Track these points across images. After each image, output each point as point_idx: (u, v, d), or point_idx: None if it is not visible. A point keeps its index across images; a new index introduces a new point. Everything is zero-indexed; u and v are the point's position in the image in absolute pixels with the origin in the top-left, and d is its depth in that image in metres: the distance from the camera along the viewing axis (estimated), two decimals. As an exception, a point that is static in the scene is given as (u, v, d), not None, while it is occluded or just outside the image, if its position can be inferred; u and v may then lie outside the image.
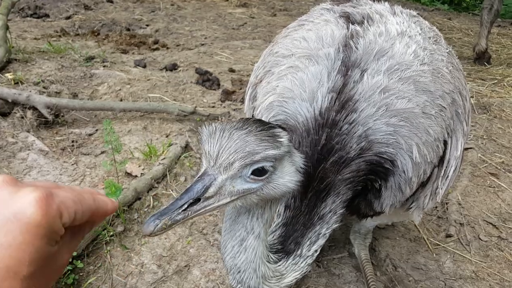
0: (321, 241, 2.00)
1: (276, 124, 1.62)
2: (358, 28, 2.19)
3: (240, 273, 1.75)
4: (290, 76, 2.13)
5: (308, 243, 1.96)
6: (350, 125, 1.91)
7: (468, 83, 6.68)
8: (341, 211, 2.01)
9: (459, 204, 3.91)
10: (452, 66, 2.29)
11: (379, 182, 2.04)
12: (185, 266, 3.11)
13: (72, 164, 4.13)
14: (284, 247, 1.95)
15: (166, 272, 3.06)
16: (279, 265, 1.89)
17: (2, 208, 0.81)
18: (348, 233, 3.32)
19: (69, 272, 2.86)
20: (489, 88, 6.59)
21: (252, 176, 1.49)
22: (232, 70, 6.87)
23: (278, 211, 2.03)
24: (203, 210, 1.47)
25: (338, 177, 1.93)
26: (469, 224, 3.70)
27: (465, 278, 3.18)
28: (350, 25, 2.22)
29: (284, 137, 1.54)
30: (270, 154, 1.46)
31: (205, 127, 1.52)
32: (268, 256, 1.84)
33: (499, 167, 4.55)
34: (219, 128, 1.49)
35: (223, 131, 1.47)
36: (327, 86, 1.97)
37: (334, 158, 1.91)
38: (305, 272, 1.98)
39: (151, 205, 3.63)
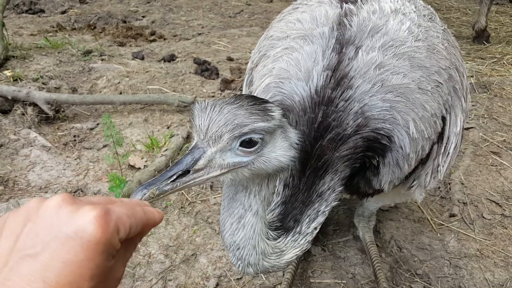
0: (320, 219, 2.00)
1: (269, 101, 1.63)
2: (351, 6, 2.19)
3: (240, 249, 1.77)
4: (286, 57, 2.13)
5: (307, 220, 1.97)
6: (346, 102, 1.91)
7: (467, 63, 6.69)
8: (340, 188, 2.02)
9: (462, 183, 3.92)
10: (448, 43, 2.29)
11: (377, 159, 2.05)
12: (192, 254, 3.14)
13: (75, 159, 4.15)
14: (283, 224, 1.96)
15: (174, 261, 3.09)
16: (278, 242, 1.90)
17: (63, 226, 0.85)
18: (352, 216, 3.34)
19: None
20: (488, 67, 6.57)
21: (241, 148, 1.50)
22: (230, 59, 6.85)
23: (277, 190, 2.04)
24: (192, 181, 1.48)
25: (335, 154, 1.93)
26: (472, 203, 3.72)
27: (469, 256, 3.20)
28: (344, 4, 2.23)
29: (276, 112, 1.54)
30: (259, 127, 1.47)
31: (198, 103, 1.53)
32: (267, 233, 1.85)
33: (500, 146, 4.56)
34: (210, 103, 1.50)
35: (215, 106, 1.48)
36: (322, 64, 1.98)
37: (331, 135, 1.92)
38: (304, 249, 1.99)
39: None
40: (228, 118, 1.45)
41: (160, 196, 1.41)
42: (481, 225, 3.51)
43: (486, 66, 6.60)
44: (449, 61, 2.17)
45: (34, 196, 3.61)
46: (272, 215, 1.98)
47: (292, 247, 1.93)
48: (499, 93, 5.75)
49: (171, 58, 6.75)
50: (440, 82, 2.07)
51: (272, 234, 1.89)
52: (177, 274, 3.00)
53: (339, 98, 1.92)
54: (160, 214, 1.13)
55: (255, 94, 2.30)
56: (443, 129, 2.18)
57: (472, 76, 6.15)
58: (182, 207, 3.58)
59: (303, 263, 3.10)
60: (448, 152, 2.27)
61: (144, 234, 1.12)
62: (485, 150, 4.47)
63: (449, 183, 3.92)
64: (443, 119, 2.16)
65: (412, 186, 2.32)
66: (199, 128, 1.48)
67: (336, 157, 1.93)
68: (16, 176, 3.87)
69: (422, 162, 2.20)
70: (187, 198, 3.67)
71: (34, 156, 4.15)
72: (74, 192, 3.65)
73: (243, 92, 2.73)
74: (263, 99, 1.61)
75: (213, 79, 6.12)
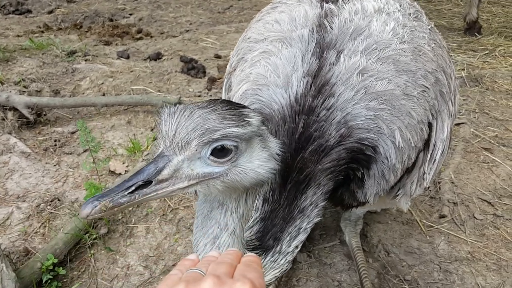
0: (302, 236, 1.88)
1: (247, 107, 1.49)
2: (332, 6, 2.06)
3: None
4: (263, 61, 2.01)
5: (288, 238, 1.85)
6: (328, 111, 1.79)
7: (458, 55, 6.56)
8: (323, 203, 1.91)
9: (452, 182, 3.81)
10: (435, 43, 2.17)
11: (362, 171, 1.94)
12: (173, 265, 3.03)
13: (55, 165, 4.02)
14: (262, 243, 1.83)
15: (153, 273, 2.98)
16: None
17: None
18: (339, 220, 3.23)
19: (50, 280, 2.78)
20: (480, 59, 6.45)
21: (212, 157, 1.35)
22: (218, 56, 6.71)
23: (256, 205, 1.90)
24: (154, 194, 1.33)
25: (318, 167, 1.82)
26: (463, 203, 3.61)
27: (460, 260, 3.10)
28: (324, 3, 2.09)
29: (253, 118, 1.40)
30: (232, 132, 1.32)
31: (167, 107, 1.38)
32: (244, 254, 1.74)
33: (492, 141, 4.45)
34: (180, 107, 1.36)
35: (184, 110, 1.34)
36: (302, 70, 1.85)
37: (313, 147, 1.80)
38: (285, 270, 1.87)
39: (136, 203, 3.53)
40: (198, 122, 1.31)
41: (114, 209, 1.25)
42: (472, 226, 3.40)
43: (478, 58, 6.48)
44: (436, 63, 2.05)
45: (11, 206, 3.49)
46: (250, 232, 1.84)
47: (271, 268, 1.81)
48: (491, 86, 5.63)
49: (157, 57, 6.61)
50: (427, 87, 1.95)
51: None
52: (157, 287, 2.89)
53: (320, 107, 1.79)
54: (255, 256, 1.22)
55: (233, 100, 2.18)
56: (429, 135, 2.06)
57: (463, 69, 6.04)
58: (163, 214, 3.47)
59: (288, 270, 2.98)
60: (435, 159, 2.15)
61: None
62: (477, 147, 4.35)
63: (439, 182, 3.80)
64: (430, 125, 2.04)
65: (398, 195, 2.21)
66: (166, 134, 1.33)
67: (319, 170, 1.81)
68: (-7, 185, 3.75)
69: (408, 170, 2.08)
70: (169, 205, 3.55)
71: (13, 163, 4.02)
72: (51, 201, 3.53)
73: (222, 97, 2.61)
74: (240, 104, 1.47)
75: (200, 77, 5.99)
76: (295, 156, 1.81)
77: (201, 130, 1.30)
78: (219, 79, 5.75)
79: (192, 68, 6.12)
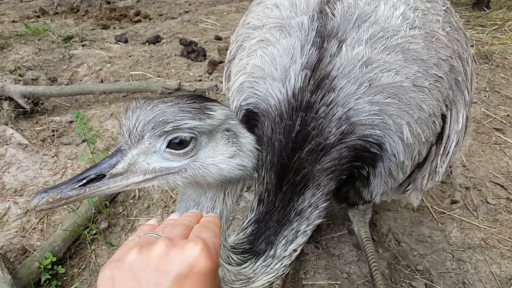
0: (300, 239, 1.77)
1: (216, 101, 1.40)
2: None
3: None
4: (260, 51, 1.87)
5: (283, 242, 1.74)
6: (328, 107, 1.66)
7: (467, 31, 6.34)
8: (324, 204, 1.79)
9: (464, 166, 3.68)
10: (450, 27, 2.00)
11: (367, 169, 1.81)
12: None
13: (53, 157, 3.91)
14: (253, 247, 1.73)
15: (156, 267, 2.88)
16: (244, 268, 1.67)
17: (178, 268, 0.93)
18: (346, 209, 3.12)
19: (49, 280, 2.68)
20: (489, 35, 6.23)
21: (168, 150, 1.29)
22: (218, 38, 6.54)
23: (252, 205, 1.82)
24: (106, 187, 1.28)
25: (317, 167, 1.70)
26: (475, 188, 3.48)
27: (474, 247, 2.99)
28: None
29: (218, 111, 1.33)
30: (185, 124, 1.26)
31: (135, 102, 1.33)
32: (228, 257, 1.62)
33: (504, 121, 4.29)
34: (146, 102, 1.31)
35: (148, 105, 1.29)
36: (300, 62, 1.72)
37: (310, 146, 1.68)
38: (281, 275, 1.76)
39: (137, 195, 3.43)
40: (154, 116, 1.26)
41: (62, 201, 1.22)
42: (485, 212, 3.28)
43: (487, 34, 6.26)
44: (451, 49, 1.88)
45: (8, 201, 3.39)
46: (244, 234, 1.74)
47: (264, 273, 1.70)
48: (501, 63, 5.43)
49: (156, 40, 6.44)
50: (440, 76, 1.79)
51: (234, 258, 1.64)
52: (160, 282, 2.79)
53: (319, 103, 1.66)
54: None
55: (231, 92, 2.04)
56: (442, 128, 1.92)
57: (472, 46, 5.83)
58: (165, 206, 3.36)
59: (295, 263, 2.89)
60: (448, 152, 2.01)
61: None
62: (488, 127, 4.20)
63: (450, 167, 3.67)
64: (443, 117, 1.89)
65: (407, 190, 2.09)
66: (124, 128, 1.29)
67: (318, 170, 1.69)
68: (-10, 179, 3.64)
69: (419, 165, 1.95)
70: (171, 196, 3.44)
71: (10, 155, 3.91)
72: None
73: (223, 87, 2.47)
74: (209, 99, 1.37)
75: (200, 61, 5.83)
76: (291, 156, 1.70)
77: (154, 123, 1.25)
78: (220, 62, 5.59)
79: (192, 51, 5.95)
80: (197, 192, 1.46)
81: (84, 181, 1.25)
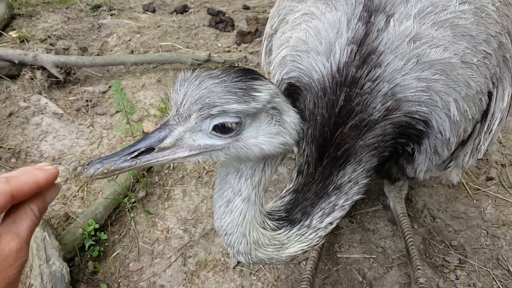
0: (338, 213, 1.80)
1: (263, 77, 1.39)
2: None
3: (227, 235, 1.63)
4: (305, 25, 1.86)
5: (320, 213, 1.77)
6: (374, 83, 1.66)
7: None
8: (364, 181, 1.81)
9: (500, 142, 3.63)
10: (500, 1, 1.95)
11: (412, 146, 1.81)
12: (211, 229, 3.00)
13: (88, 126, 3.97)
14: (289, 215, 1.77)
15: (193, 236, 2.96)
16: (278, 233, 1.72)
17: None
18: (381, 184, 3.12)
19: (93, 246, 2.78)
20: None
21: (214, 132, 1.33)
22: (246, 7, 6.46)
23: (292, 175, 1.85)
24: (155, 160, 1.34)
25: (359, 143, 1.71)
26: (511, 165, 3.45)
27: (508, 224, 2.98)
28: None
29: (263, 92, 1.33)
30: (232, 109, 1.28)
31: (182, 73, 1.36)
32: (263, 222, 1.67)
33: (541, 97, 4.19)
34: (193, 75, 1.33)
35: (196, 79, 1.31)
36: (346, 37, 1.71)
37: (354, 122, 1.69)
38: (314, 245, 1.80)
39: (172, 166, 3.48)
40: (202, 95, 1.28)
41: (116, 172, 1.28)
42: (521, 189, 3.26)
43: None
44: (500, 25, 1.84)
45: (47, 168, 3.47)
46: (281, 202, 1.79)
47: (297, 241, 1.74)
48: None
49: (183, 10, 6.39)
50: (489, 53, 1.76)
51: (270, 224, 1.69)
52: (197, 250, 2.87)
53: (365, 78, 1.66)
54: (47, 171, 1.04)
55: (272, 66, 2.04)
56: (488, 105, 1.89)
57: None
58: (199, 177, 3.41)
59: (330, 236, 2.92)
60: (491, 129, 1.99)
61: (41, 199, 1.04)
62: (525, 103, 4.11)
63: (486, 143, 3.63)
64: (489, 94, 1.87)
65: (449, 167, 2.08)
66: (174, 102, 1.33)
67: (360, 146, 1.70)
68: (28, 147, 3.73)
69: (462, 143, 1.94)
70: (204, 167, 3.49)
71: (46, 124, 3.99)
72: (88, 164, 3.50)
73: (262, 61, 2.46)
74: (255, 74, 1.37)
75: (229, 31, 5.78)
76: (334, 130, 1.72)
77: (201, 105, 1.28)
78: (249, 33, 5.54)
79: (220, 21, 5.90)
80: (239, 160, 1.49)
81: (136, 153, 1.30)
